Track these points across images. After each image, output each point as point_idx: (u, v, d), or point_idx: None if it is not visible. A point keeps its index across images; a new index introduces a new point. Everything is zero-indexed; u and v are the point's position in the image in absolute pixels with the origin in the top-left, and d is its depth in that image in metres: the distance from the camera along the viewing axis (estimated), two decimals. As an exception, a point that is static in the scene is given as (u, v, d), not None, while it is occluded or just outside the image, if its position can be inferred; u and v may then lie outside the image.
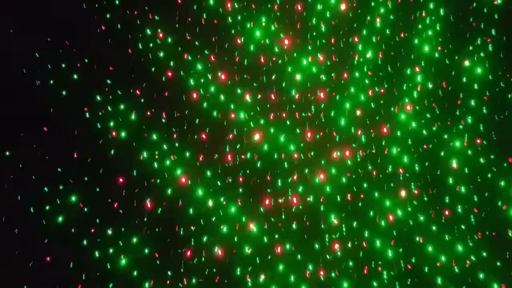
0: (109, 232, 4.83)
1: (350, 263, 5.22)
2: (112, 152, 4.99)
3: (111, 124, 5.02)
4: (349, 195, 5.41)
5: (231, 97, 5.35)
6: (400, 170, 5.52)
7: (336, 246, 5.22)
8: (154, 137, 5.12)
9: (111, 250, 4.83)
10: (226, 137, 5.30)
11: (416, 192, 5.51)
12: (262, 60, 5.47)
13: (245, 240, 5.09)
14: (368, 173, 5.49)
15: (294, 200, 5.27)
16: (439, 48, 5.74)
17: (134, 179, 5.00)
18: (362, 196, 5.45)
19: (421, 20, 5.75)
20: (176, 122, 5.21)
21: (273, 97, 5.46)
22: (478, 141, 5.59)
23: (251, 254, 5.07)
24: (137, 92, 5.15)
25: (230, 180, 5.21)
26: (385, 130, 5.61)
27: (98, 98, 5.03)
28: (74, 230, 4.77)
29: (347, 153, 5.48)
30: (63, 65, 4.95)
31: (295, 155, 5.40)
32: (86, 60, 5.00)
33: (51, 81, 4.90)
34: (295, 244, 5.19)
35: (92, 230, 4.81)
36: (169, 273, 4.90)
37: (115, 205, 4.93)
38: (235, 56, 5.42)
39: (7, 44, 4.81)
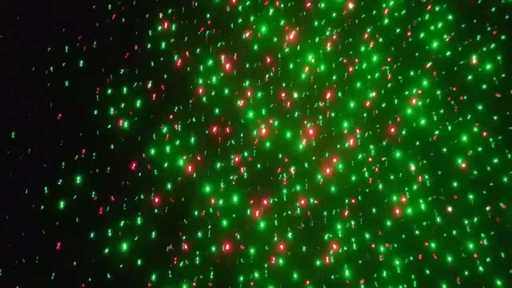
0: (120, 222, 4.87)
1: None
2: (119, 141, 5.00)
3: (119, 113, 5.03)
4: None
5: (238, 91, 5.38)
6: (412, 168, 5.54)
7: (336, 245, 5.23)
8: (163, 128, 5.14)
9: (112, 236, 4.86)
10: (234, 132, 5.33)
11: (419, 179, 5.51)
12: (268, 57, 5.49)
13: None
14: (377, 169, 5.52)
15: (302, 201, 5.28)
16: (449, 38, 5.76)
17: (141, 168, 5.03)
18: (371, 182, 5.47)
19: (429, 17, 5.77)
20: (185, 114, 5.24)
21: (281, 93, 5.48)
22: (485, 133, 5.60)
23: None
24: (148, 84, 5.18)
25: (238, 175, 5.22)
26: (392, 130, 5.61)
27: (109, 91, 5.05)
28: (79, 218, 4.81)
29: (351, 141, 5.49)
30: (70, 51, 5.00)
31: (302, 151, 5.41)
32: (94, 47, 5.03)
33: (58, 69, 4.94)
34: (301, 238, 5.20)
35: (100, 211, 4.85)
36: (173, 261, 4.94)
37: (120, 196, 4.93)
38: (242, 51, 5.46)
39: (18, 34, 4.91)
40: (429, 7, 5.76)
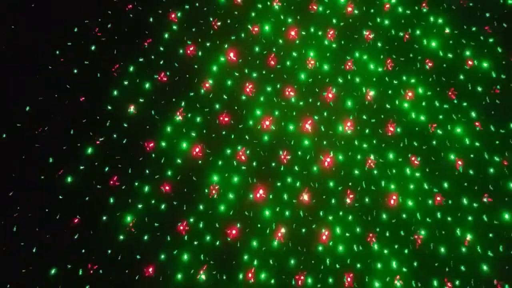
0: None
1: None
2: (129, 128, 5.18)
3: (129, 100, 5.23)
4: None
5: (243, 84, 5.52)
6: (415, 162, 5.63)
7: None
8: (170, 117, 5.31)
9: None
10: (237, 124, 5.46)
11: (416, 173, 5.60)
12: (271, 53, 5.63)
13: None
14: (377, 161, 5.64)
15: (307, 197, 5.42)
16: (446, 31, 5.88)
17: (148, 154, 5.21)
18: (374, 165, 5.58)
19: (427, 18, 5.90)
20: (191, 104, 5.38)
21: (284, 88, 5.60)
22: (477, 123, 5.68)
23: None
24: (162, 77, 5.34)
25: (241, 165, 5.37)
26: (391, 128, 5.71)
27: (125, 82, 5.24)
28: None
29: (349, 136, 5.61)
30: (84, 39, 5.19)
31: (302, 144, 5.53)
32: (108, 36, 5.22)
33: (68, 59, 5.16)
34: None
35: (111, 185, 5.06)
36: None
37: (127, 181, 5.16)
38: (247, 47, 5.60)
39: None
40: (424, 5, 5.91)
